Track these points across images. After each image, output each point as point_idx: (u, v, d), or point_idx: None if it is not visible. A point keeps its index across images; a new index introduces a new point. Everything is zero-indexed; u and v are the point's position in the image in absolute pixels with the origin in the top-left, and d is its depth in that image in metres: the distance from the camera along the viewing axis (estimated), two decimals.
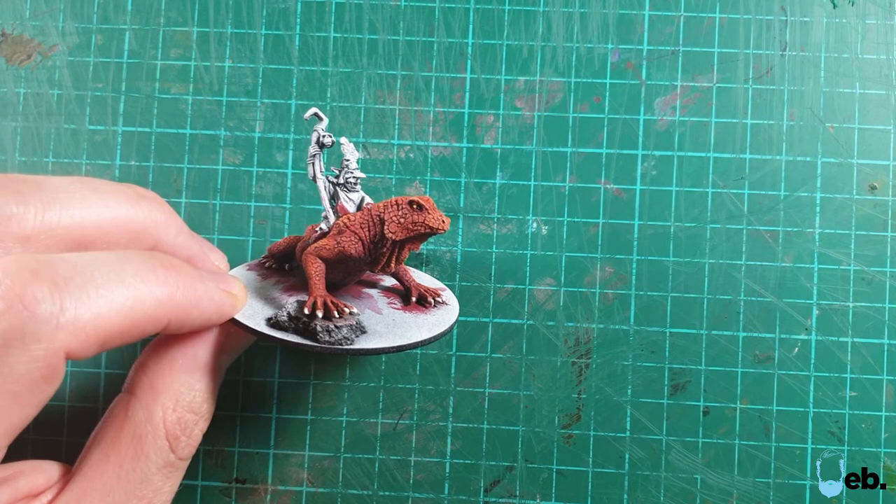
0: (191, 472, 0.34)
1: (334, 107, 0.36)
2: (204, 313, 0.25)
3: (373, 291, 0.31)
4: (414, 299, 0.30)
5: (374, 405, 0.35)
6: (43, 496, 0.24)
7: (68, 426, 0.34)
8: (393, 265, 0.28)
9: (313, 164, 0.29)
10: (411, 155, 0.36)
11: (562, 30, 0.36)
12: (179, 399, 0.26)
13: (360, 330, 0.26)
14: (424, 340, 0.27)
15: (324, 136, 0.29)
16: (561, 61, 0.36)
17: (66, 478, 0.25)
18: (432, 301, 0.30)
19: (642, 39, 0.36)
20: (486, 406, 0.34)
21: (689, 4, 0.36)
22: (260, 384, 0.35)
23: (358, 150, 0.36)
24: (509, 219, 0.35)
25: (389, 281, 0.32)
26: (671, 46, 0.36)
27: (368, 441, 0.35)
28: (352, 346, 0.26)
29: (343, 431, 0.35)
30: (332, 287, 0.29)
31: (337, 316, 0.26)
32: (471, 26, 0.36)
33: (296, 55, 0.36)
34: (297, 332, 0.26)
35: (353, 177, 0.29)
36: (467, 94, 0.36)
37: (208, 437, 0.34)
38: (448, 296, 0.31)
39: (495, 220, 0.35)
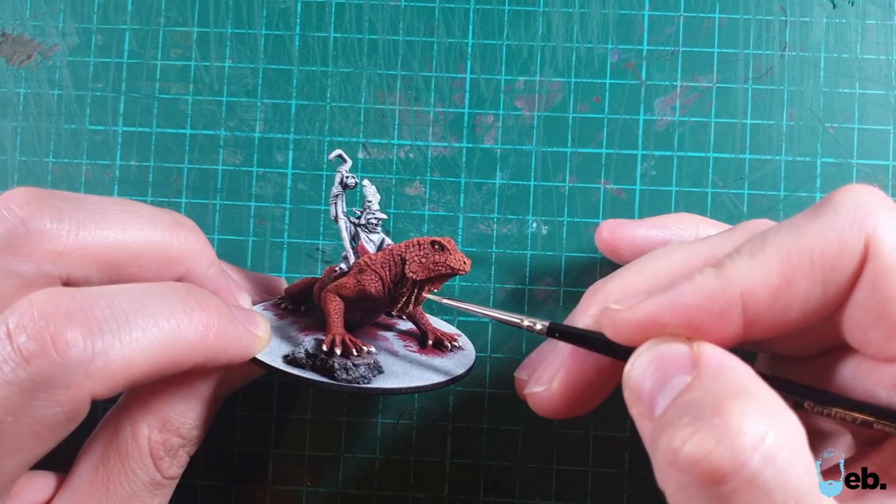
0: (191, 472, 0.34)
1: (334, 107, 0.36)
2: (230, 356, 0.25)
3: (389, 334, 0.31)
4: (430, 342, 0.30)
5: (374, 405, 0.35)
6: None
7: None
8: (411, 306, 0.28)
9: (335, 204, 0.30)
10: (411, 155, 0.36)
11: (562, 30, 0.36)
12: (168, 423, 0.25)
13: (378, 370, 0.26)
14: (442, 383, 0.27)
15: (347, 178, 0.29)
16: (561, 61, 0.36)
17: (58, 489, 0.25)
18: (449, 345, 0.30)
19: (642, 39, 0.36)
20: (486, 406, 0.34)
21: (689, 4, 0.36)
22: (260, 384, 0.35)
23: (358, 151, 0.36)
24: (509, 219, 0.35)
25: (405, 325, 0.32)
26: (671, 46, 0.36)
27: (368, 441, 0.35)
28: (369, 386, 0.26)
29: (343, 431, 0.35)
30: (349, 328, 0.29)
31: (355, 354, 0.26)
32: (471, 26, 0.36)
33: (296, 55, 0.36)
34: (314, 369, 0.26)
35: (375, 218, 0.30)
36: (467, 94, 0.36)
37: (208, 436, 0.34)
38: (464, 341, 0.31)
39: (495, 220, 0.35)
